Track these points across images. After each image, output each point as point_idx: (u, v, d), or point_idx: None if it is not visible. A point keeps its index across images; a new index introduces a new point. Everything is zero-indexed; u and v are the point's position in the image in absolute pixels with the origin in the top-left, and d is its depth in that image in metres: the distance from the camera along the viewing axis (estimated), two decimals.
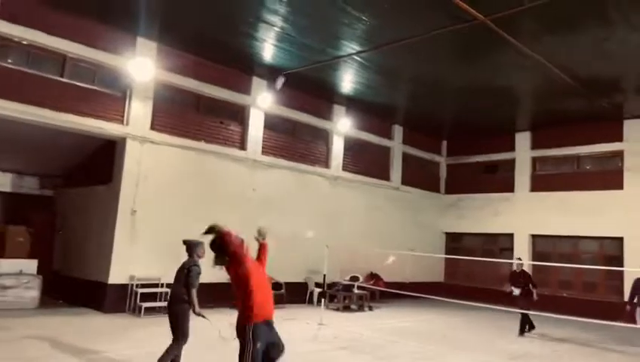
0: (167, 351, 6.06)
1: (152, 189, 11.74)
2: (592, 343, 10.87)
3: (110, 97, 11.42)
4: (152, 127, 11.92)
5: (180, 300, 6.17)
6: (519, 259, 12.73)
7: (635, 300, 10.47)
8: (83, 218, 12.59)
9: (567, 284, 16.65)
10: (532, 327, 11.45)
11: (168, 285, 11.55)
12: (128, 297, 11.21)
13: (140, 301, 11.02)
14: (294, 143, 15.25)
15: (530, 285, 11.44)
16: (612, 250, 15.95)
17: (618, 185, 15.94)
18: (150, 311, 10.99)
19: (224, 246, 4.72)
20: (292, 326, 10.86)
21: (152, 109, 11.93)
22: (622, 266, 14.86)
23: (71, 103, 10.68)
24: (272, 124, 14.55)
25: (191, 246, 6.57)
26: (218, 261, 4.80)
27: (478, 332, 11.44)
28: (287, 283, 13.77)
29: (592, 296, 15.74)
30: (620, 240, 15.65)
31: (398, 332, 10.83)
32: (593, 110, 15.02)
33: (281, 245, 14.16)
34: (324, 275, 11.96)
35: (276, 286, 13.51)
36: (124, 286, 11.18)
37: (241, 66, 13.38)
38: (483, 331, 11.71)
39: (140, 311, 10.79)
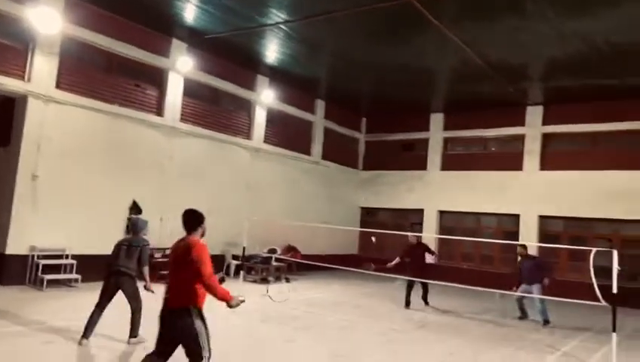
0: (136, 322, 6.58)
1: (57, 153, 10.84)
2: (490, 311, 11.82)
3: (9, 49, 10.28)
4: (58, 86, 10.92)
5: (133, 275, 6.62)
6: (415, 234, 13.19)
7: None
8: None
9: (469, 257, 17.94)
10: (408, 305, 11.44)
11: (74, 256, 10.91)
12: (29, 269, 10.38)
13: (42, 273, 10.25)
14: (216, 112, 14.77)
15: (428, 254, 11.89)
16: (510, 225, 17.36)
17: (518, 166, 17.30)
18: (53, 283, 10.28)
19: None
20: (210, 299, 10.70)
21: (58, 66, 10.91)
22: (517, 240, 16.24)
23: None
24: (192, 91, 13.94)
25: (138, 225, 7.04)
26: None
27: (388, 302, 11.98)
28: None
29: (489, 268, 17.08)
30: (517, 216, 17.07)
31: (314, 303, 11.07)
32: (501, 95, 16.04)
33: None
34: (244, 248, 11.85)
35: None
36: (24, 258, 10.32)
37: (159, 26, 12.59)
38: (392, 301, 12.29)
39: (41, 284, 10.03)
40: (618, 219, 15.30)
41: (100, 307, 6.50)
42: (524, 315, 10.89)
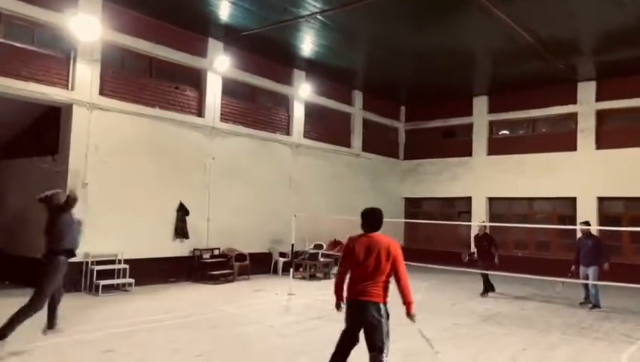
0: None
1: (104, 160, 10.92)
2: (554, 300, 11.22)
3: (52, 59, 10.39)
4: (101, 93, 10.98)
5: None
6: (482, 221, 12.87)
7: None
8: (27, 191, 11.57)
9: (522, 244, 17.20)
10: (492, 289, 11.67)
11: (126, 261, 10.98)
12: (83, 275, 10.50)
13: (97, 279, 10.35)
14: (254, 109, 14.63)
15: (493, 248, 11.58)
16: (565, 209, 16.52)
17: (572, 146, 16.41)
18: (108, 288, 10.38)
19: None
20: (262, 297, 10.60)
21: (100, 73, 10.97)
22: (575, 225, 15.42)
23: (7, 66, 9.60)
24: (230, 90, 13.84)
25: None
26: None
27: (445, 295, 11.55)
28: (250, 254, 13.41)
29: (545, 255, 16.30)
30: (573, 199, 16.22)
31: None
32: (550, 73, 15.20)
33: (243, 215, 13.76)
34: (293, 244, 11.65)
35: (240, 257, 13.15)
36: (78, 264, 10.41)
37: (195, 26, 12.53)
38: (449, 293, 11.85)
39: (97, 290, 10.13)
40: None
41: None
42: (586, 300, 10.35)
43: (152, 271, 11.52)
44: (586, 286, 10.36)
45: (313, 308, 9.50)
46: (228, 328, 7.73)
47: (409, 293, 4.51)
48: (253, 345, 6.79)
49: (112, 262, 10.83)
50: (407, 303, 4.54)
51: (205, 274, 12.29)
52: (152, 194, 11.79)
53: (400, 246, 4.63)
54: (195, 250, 12.64)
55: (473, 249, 11.97)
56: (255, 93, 14.78)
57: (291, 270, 11.76)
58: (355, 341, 4.67)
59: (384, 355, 4.43)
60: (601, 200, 15.80)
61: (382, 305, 4.50)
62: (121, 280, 10.75)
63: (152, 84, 12.11)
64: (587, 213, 15.60)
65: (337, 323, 8.17)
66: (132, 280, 10.78)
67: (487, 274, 11.51)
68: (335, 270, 14.59)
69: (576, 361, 6.29)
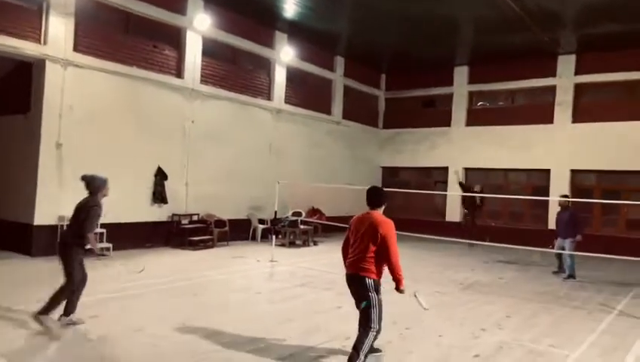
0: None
1: (79, 119, 10.46)
2: (528, 269, 11.55)
3: (24, 11, 9.74)
4: (75, 49, 10.41)
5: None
6: (565, 196, 11.95)
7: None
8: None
9: (496, 214, 17.56)
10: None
11: (103, 225, 10.66)
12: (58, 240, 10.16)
13: None
14: (235, 72, 14.19)
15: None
16: (539, 181, 16.88)
17: (549, 119, 16.64)
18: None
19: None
20: (244, 264, 10.52)
21: (75, 27, 10.36)
22: (547, 196, 15.81)
23: None
24: (210, 50, 13.34)
25: (94, 183, 5.79)
26: None
27: (424, 264, 11.72)
28: (229, 220, 13.25)
29: (518, 225, 16.70)
30: (547, 171, 16.56)
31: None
32: (531, 45, 15.21)
33: (223, 181, 13.52)
34: (275, 211, 11.55)
35: (219, 223, 12.98)
36: (53, 228, 10.07)
37: None
38: (428, 262, 12.03)
39: None
40: None
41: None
42: (560, 269, 10.71)
43: (129, 236, 11.27)
44: (559, 256, 10.68)
45: (297, 275, 9.50)
46: (214, 294, 7.66)
47: (398, 271, 4.64)
48: (243, 311, 6.74)
49: None
50: (396, 280, 4.68)
51: (184, 239, 12.10)
52: (129, 158, 11.41)
53: (393, 226, 4.73)
54: (173, 215, 12.39)
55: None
56: (236, 55, 14.32)
57: (273, 237, 11.70)
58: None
59: (371, 330, 4.54)
60: (574, 172, 16.19)
61: (368, 279, 4.62)
62: (100, 245, 10.45)
63: (129, 42, 11.53)
64: (560, 185, 16.00)
65: (322, 290, 8.24)
66: (110, 245, 10.52)
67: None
68: (315, 238, 14.62)
69: (559, 328, 6.48)
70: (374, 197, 4.90)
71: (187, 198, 12.73)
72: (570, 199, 12.38)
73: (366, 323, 4.55)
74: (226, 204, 13.47)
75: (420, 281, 9.27)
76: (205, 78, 13.16)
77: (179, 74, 12.56)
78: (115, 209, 10.92)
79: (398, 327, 6.11)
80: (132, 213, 11.47)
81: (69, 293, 5.67)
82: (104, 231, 10.57)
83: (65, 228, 5.79)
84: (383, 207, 4.90)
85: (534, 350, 5.50)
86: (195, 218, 12.83)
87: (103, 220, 10.51)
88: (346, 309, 7.12)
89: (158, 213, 12.11)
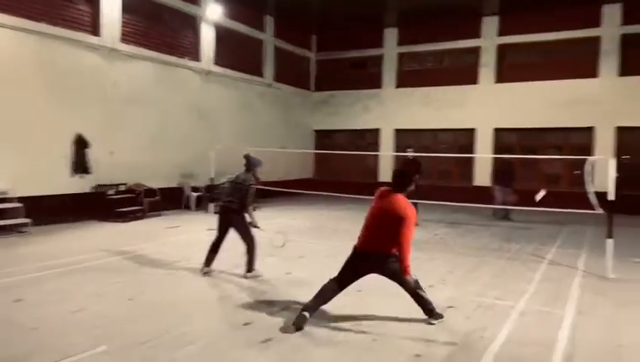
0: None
1: None
2: (459, 225, 12.05)
3: None
4: None
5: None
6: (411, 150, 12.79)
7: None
8: None
9: (427, 173, 18.06)
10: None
11: (20, 199, 9.71)
12: None
13: None
14: (159, 30, 13.21)
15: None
16: (465, 140, 17.53)
17: (474, 80, 17.20)
18: (0, 230, 9.17)
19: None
20: (182, 235, 10.05)
21: None
22: (472, 153, 16.53)
23: None
24: (131, 6, 12.27)
25: (252, 163, 6.82)
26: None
27: (358, 224, 11.80)
28: (160, 189, 12.60)
29: (447, 183, 17.37)
30: (473, 131, 17.23)
31: (291, 230, 10.65)
32: (457, 6, 15.55)
33: (150, 148, 12.74)
34: (212, 178, 11.08)
35: (150, 192, 12.30)
36: None
37: None
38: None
39: None
40: (567, 127, 15.82)
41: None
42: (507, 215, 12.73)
43: (50, 210, 10.39)
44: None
45: (239, 243, 9.19)
46: (154, 268, 7.22)
47: (406, 259, 4.65)
48: (188, 284, 6.40)
49: (3, 200, 9.52)
50: (402, 267, 4.71)
51: (112, 211, 11.35)
52: (44, 125, 10.38)
53: (414, 214, 4.69)
54: (98, 185, 11.54)
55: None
56: (159, 12, 13.29)
57: (211, 205, 11.25)
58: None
59: (420, 291, 4.94)
60: (497, 131, 16.96)
61: (390, 256, 4.77)
62: (15, 220, 9.52)
63: None
64: (484, 144, 16.76)
65: (268, 256, 8.04)
66: (28, 220, 9.61)
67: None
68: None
69: (499, 280, 6.78)
70: (399, 179, 4.83)
71: (112, 167, 11.88)
72: (488, 155, 13.06)
73: (412, 290, 4.88)
74: (155, 172, 12.77)
75: None
76: (126, 37, 12.14)
77: (95, 31, 11.46)
78: (32, 181, 10.00)
79: (354, 291, 6.07)
80: (50, 185, 10.54)
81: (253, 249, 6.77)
82: (21, 205, 9.62)
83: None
84: (409, 189, 4.83)
85: (482, 304, 5.70)
86: (122, 188, 12.03)
87: (17, 194, 9.67)
88: (296, 274, 7.03)
89: (80, 184, 11.21)
